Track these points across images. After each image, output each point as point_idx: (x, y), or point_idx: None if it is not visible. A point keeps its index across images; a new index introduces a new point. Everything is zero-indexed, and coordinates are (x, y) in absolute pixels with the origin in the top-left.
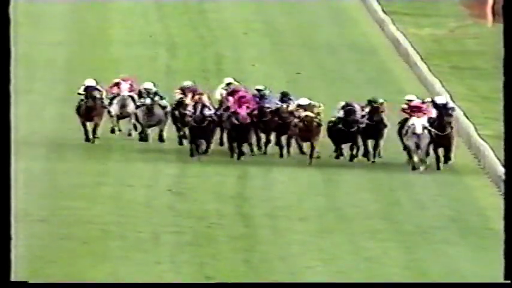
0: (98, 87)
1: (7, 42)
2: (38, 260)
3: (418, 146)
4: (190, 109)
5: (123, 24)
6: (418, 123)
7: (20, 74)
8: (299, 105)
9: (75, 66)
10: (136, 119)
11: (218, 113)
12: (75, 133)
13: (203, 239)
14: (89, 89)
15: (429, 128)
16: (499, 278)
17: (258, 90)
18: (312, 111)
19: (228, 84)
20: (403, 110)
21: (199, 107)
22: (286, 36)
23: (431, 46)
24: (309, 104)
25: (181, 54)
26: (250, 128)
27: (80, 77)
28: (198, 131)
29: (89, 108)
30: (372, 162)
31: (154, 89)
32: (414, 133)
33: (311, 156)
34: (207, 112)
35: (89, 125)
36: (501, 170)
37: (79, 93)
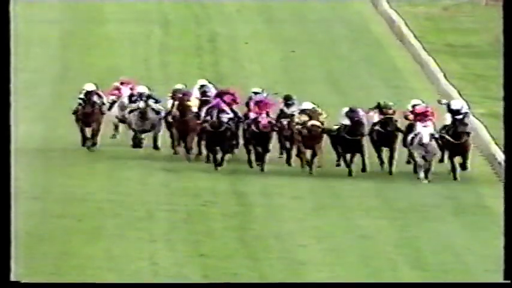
0: (99, 92)
1: (7, 43)
2: (32, 237)
3: (425, 158)
4: (203, 114)
5: (117, 1)
6: (425, 132)
7: (15, 51)
8: (302, 111)
9: (70, 44)
10: (129, 124)
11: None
12: (70, 111)
13: (198, 217)
14: (88, 95)
15: (442, 135)
16: (492, 254)
17: (255, 92)
18: (317, 118)
19: (202, 86)
20: (406, 117)
21: (215, 111)
22: (279, 14)
23: (425, 24)
24: (313, 108)
25: (175, 32)
26: (271, 136)
27: (75, 55)
28: (214, 137)
29: (86, 114)
30: (390, 173)
31: (147, 92)
32: (421, 144)
33: (312, 162)
34: (224, 117)
35: (88, 131)
36: (495, 148)
37: (80, 98)
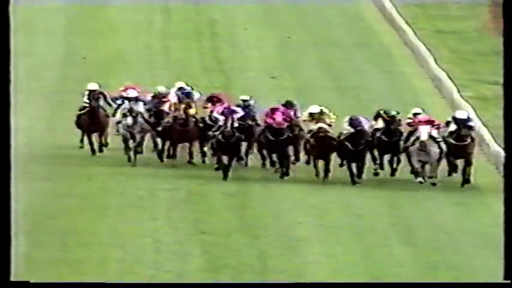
0: (104, 92)
1: (7, 46)
2: (39, 215)
3: (425, 162)
4: (220, 120)
5: None
6: (424, 130)
7: (20, 38)
8: (310, 115)
9: (74, 30)
10: (122, 136)
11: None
12: (75, 94)
13: (198, 196)
14: (91, 94)
15: (442, 139)
16: (481, 231)
17: (244, 100)
18: (324, 122)
19: (180, 88)
20: (409, 124)
21: (229, 120)
22: (276, 2)
23: (416, 11)
24: (321, 111)
25: (176, 19)
26: (287, 142)
27: (79, 41)
28: (224, 146)
29: (91, 112)
30: (392, 175)
31: (135, 96)
32: (421, 148)
33: (326, 175)
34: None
35: (94, 137)
36: (483, 129)
37: (84, 102)
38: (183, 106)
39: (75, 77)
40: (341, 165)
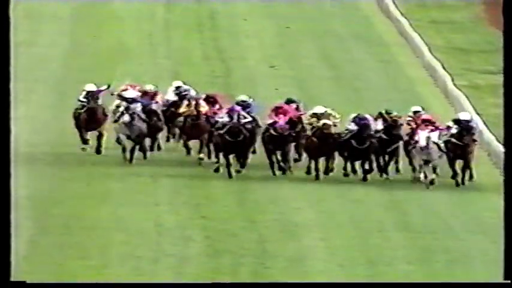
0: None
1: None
2: (43, 200)
3: (428, 162)
4: (224, 117)
5: None
6: (423, 135)
7: (24, 28)
8: (314, 114)
9: (80, 21)
10: (118, 135)
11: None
12: (80, 83)
13: (199, 181)
14: (90, 94)
15: (439, 141)
16: (475, 217)
17: (243, 101)
18: (329, 120)
19: (178, 87)
20: (409, 123)
21: (235, 116)
22: None
23: (411, 2)
24: (325, 112)
25: (178, 9)
26: (288, 139)
27: (84, 31)
28: (232, 145)
29: (90, 111)
30: (386, 178)
31: (134, 97)
32: (421, 148)
33: (326, 173)
34: (242, 122)
35: (90, 135)
36: (476, 117)
37: (80, 100)
38: (193, 103)
39: (79, 67)
40: (345, 174)
